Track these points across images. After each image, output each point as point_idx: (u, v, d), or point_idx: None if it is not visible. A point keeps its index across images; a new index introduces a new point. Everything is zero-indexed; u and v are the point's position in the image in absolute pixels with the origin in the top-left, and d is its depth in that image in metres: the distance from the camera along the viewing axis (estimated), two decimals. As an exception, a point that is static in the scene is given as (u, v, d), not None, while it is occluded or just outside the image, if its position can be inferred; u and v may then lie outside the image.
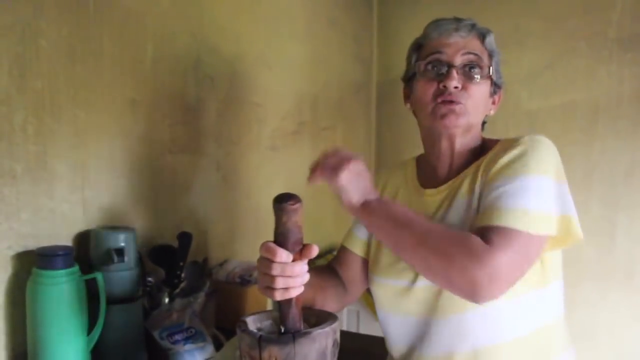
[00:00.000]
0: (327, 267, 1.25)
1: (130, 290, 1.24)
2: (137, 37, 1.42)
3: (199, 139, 1.66)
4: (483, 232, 0.92)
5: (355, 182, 1.00)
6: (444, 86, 1.07)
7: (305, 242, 0.88)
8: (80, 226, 1.28)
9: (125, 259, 1.22)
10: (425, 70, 1.11)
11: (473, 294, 0.89)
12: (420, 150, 1.24)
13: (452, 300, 1.01)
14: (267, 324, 0.95)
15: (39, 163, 1.18)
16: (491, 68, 1.12)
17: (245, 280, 1.54)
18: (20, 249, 1.15)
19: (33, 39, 1.16)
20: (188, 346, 1.23)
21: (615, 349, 2.37)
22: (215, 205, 1.73)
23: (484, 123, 1.18)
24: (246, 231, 1.83)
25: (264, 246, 0.85)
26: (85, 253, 1.25)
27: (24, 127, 1.15)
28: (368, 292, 1.26)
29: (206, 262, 1.55)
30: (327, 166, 1.03)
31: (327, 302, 1.11)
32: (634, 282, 2.34)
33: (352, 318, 2.19)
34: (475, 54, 1.09)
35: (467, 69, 1.08)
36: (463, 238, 0.92)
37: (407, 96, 1.20)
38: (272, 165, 2.01)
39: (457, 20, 1.12)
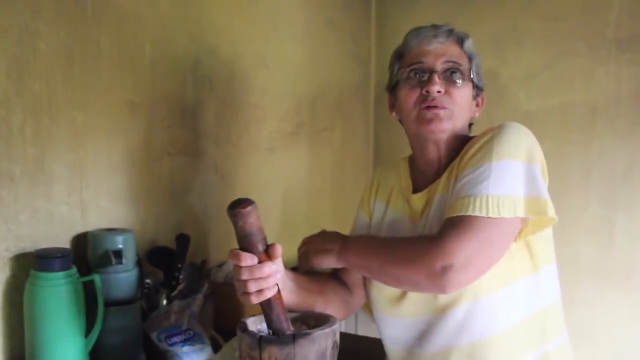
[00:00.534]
0: (330, 273, 1.25)
1: (129, 292, 1.24)
2: (135, 39, 1.42)
3: (198, 141, 1.65)
4: (443, 225, 0.98)
5: (323, 257, 1.12)
6: (427, 91, 1.08)
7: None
8: (78, 228, 1.28)
9: (124, 260, 1.21)
10: (408, 78, 1.13)
11: (436, 286, 0.95)
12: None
13: (449, 297, 1.03)
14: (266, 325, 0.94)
15: (37, 165, 1.18)
16: (472, 71, 1.13)
17: (244, 282, 1.54)
18: (18, 251, 1.15)
19: (31, 41, 1.16)
20: (186, 348, 1.23)
21: (614, 348, 2.37)
22: (214, 207, 1.73)
23: (470, 125, 1.20)
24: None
25: (230, 253, 0.87)
26: (83, 255, 1.24)
27: (22, 129, 1.15)
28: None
29: (204, 263, 1.55)
30: (304, 256, 1.16)
31: (329, 307, 1.11)
32: (632, 281, 2.34)
33: (350, 320, 2.19)
34: (455, 61, 1.10)
35: (448, 73, 1.10)
36: (414, 240, 1.03)
37: (392, 105, 1.22)
38: (271, 167, 2.01)
39: (435, 27, 1.14)
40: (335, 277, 1.23)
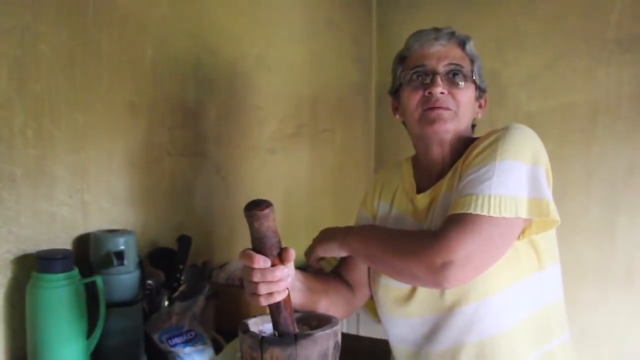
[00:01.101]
0: (332, 272, 1.25)
1: (130, 293, 1.24)
2: (137, 40, 1.42)
3: (199, 142, 1.65)
4: (445, 221, 0.99)
5: (326, 244, 1.14)
6: (430, 93, 1.09)
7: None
8: (79, 229, 1.28)
9: (125, 262, 1.21)
10: (411, 80, 1.13)
11: (434, 281, 0.96)
12: (418, 150, 1.25)
13: (456, 296, 1.03)
14: (268, 326, 0.95)
15: (39, 166, 1.18)
16: (474, 73, 1.14)
17: (245, 283, 1.54)
18: (19, 253, 1.15)
19: (32, 43, 1.16)
20: (188, 349, 1.23)
21: (616, 350, 2.37)
22: (215, 208, 1.73)
23: (473, 126, 1.21)
24: (246, 233, 1.82)
25: (242, 253, 0.87)
26: (85, 256, 1.24)
27: (24, 130, 1.15)
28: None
29: (206, 265, 1.55)
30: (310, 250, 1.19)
31: (332, 307, 1.12)
32: (634, 283, 2.34)
33: (352, 320, 2.19)
34: (457, 64, 1.11)
35: (450, 75, 1.10)
36: (417, 234, 1.04)
37: (396, 108, 1.22)
38: (272, 168, 2.01)
39: (437, 30, 1.15)
40: (338, 276, 1.23)
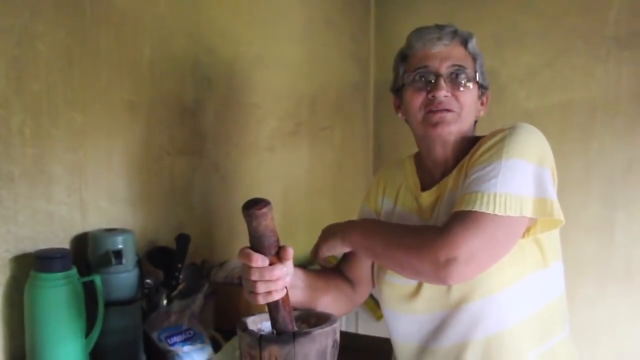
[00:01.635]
0: (332, 269, 1.25)
1: (129, 292, 1.24)
2: (134, 39, 1.42)
3: (197, 140, 1.65)
4: (449, 218, 0.99)
5: (329, 241, 1.13)
6: (433, 96, 1.09)
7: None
8: (78, 229, 1.28)
9: (124, 261, 1.22)
10: (414, 81, 1.13)
11: (437, 277, 0.96)
12: (417, 149, 1.24)
13: (462, 292, 1.04)
14: (266, 324, 0.95)
15: (37, 166, 1.18)
16: (477, 72, 1.14)
17: (244, 282, 1.54)
18: (18, 252, 1.15)
19: (30, 42, 1.16)
20: (187, 348, 1.23)
21: (615, 347, 2.37)
22: (214, 207, 1.73)
23: (475, 122, 1.20)
24: (245, 232, 1.82)
25: (240, 252, 0.87)
26: (83, 255, 1.24)
27: (22, 130, 1.15)
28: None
29: (204, 263, 1.55)
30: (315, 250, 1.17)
31: (332, 304, 1.12)
32: (633, 279, 2.34)
33: (351, 318, 2.19)
34: (461, 65, 1.11)
35: (454, 76, 1.10)
36: (421, 229, 1.05)
37: (398, 106, 1.22)
38: (271, 166, 2.01)
39: (439, 28, 1.13)
40: (339, 272, 1.23)
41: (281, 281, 0.86)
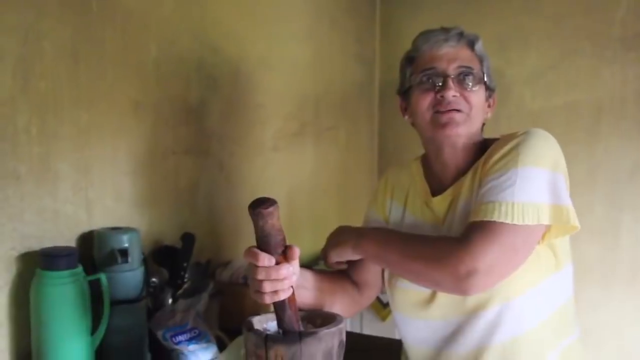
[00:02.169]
0: (339, 271, 1.25)
1: (134, 291, 1.24)
2: (140, 38, 1.42)
3: (202, 140, 1.65)
4: (467, 228, 0.98)
5: (340, 248, 1.13)
6: (442, 96, 1.08)
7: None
8: (83, 227, 1.28)
9: (129, 259, 1.22)
10: (421, 82, 1.12)
11: (458, 289, 0.97)
12: (423, 150, 1.24)
13: (479, 299, 1.03)
14: (272, 324, 0.95)
15: (43, 164, 1.19)
16: (484, 73, 1.13)
17: (248, 281, 1.54)
18: (24, 250, 1.15)
19: (36, 41, 1.16)
20: (192, 347, 1.23)
21: (620, 348, 2.36)
22: (219, 206, 1.73)
23: (482, 125, 1.19)
24: (250, 231, 1.82)
25: (247, 251, 0.87)
26: (89, 254, 1.25)
27: (28, 128, 1.15)
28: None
29: (209, 262, 1.55)
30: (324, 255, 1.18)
31: (337, 306, 1.12)
32: (638, 281, 2.33)
33: (355, 319, 2.18)
34: (468, 66, 1.10)
35: (461, 77, 1.10)
36: (438, 240, 1.04)
37: (405, 109, 1.21)
38: (276, 166, 2.01)
39: (445, 30, 1.13)
40: (346, 275, 1.23)
41: (287, 280, 0.86)
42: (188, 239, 1.41)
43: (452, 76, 1.08)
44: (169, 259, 1.40)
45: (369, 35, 2.77)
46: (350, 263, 1.23)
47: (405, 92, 1.19)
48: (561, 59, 2.41)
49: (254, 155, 1.90)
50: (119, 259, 1.20)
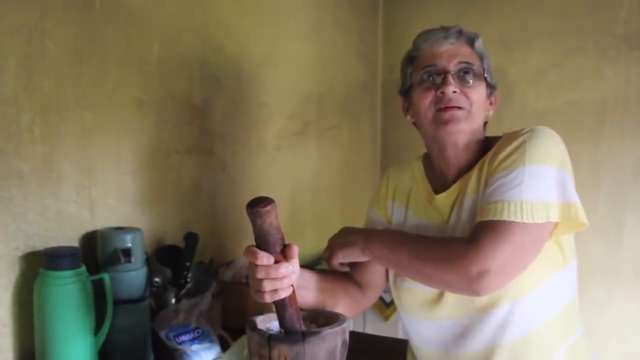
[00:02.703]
0: (341, 272, 1.24)
1: (137, 290, 1.24)
2: (143, 38, 1.42)
3: (205, 139, 1.65)
4: (476, 228, 0.98)
5: (347, 250, 1.11)
6: (442, 92, 1.08)
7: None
8: (87, 227, 1.28)
9: (132, 259, 1.22)
10: (422, 80, 1.12)
11: (469, 289, 0.96)
12: (425, 149, 1.24)
13: (489, 299, 1.03)
14: (275, 324, 0.95)
15: (46, 164, 1.19)
16: (485, 70, 1.13)
17: (251, 281, 1.54)
18: (27, 250, 1.15)
19: (39, 40, 1.16)
20: (195, 346, 1.23)
21: (624, 347, 2.36)
22: (222, 205, 1.73)
23: (485, 123, 1.19)
24: (252, 231, 1.83)
25: (246, 250, 0.87)
26: (92, 253, 1.25)
27: (31, 128, 1.16)
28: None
29: (212, 262, 1.55)
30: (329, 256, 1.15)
31: (339, 306, 1.12)
32: (642, 281, 2.33)
33: (358, 318, 2.18)
34: (468, 62, 1.10)
35: (461, 73, 1.09)
36: (448, 241, 1.03)
37: (407, 109, 1.21)
38: (279, 165, 2.01)
39: (445, 28, 1.13)
40: (348, 275, 1.22)
41: (287, 279, 0.86)
42: (191, 238, 1.41)
43: (452, 72, 1.08)
44: (172, 259, 1.40)
45: (372, 34, 2.77)
46: (353, 263, 1.23)
47: (406, 92, 1.19)
48: (564, 57, 2.40)
49: (257, 154, 1.90)
50: (122, 259, 1.20)
